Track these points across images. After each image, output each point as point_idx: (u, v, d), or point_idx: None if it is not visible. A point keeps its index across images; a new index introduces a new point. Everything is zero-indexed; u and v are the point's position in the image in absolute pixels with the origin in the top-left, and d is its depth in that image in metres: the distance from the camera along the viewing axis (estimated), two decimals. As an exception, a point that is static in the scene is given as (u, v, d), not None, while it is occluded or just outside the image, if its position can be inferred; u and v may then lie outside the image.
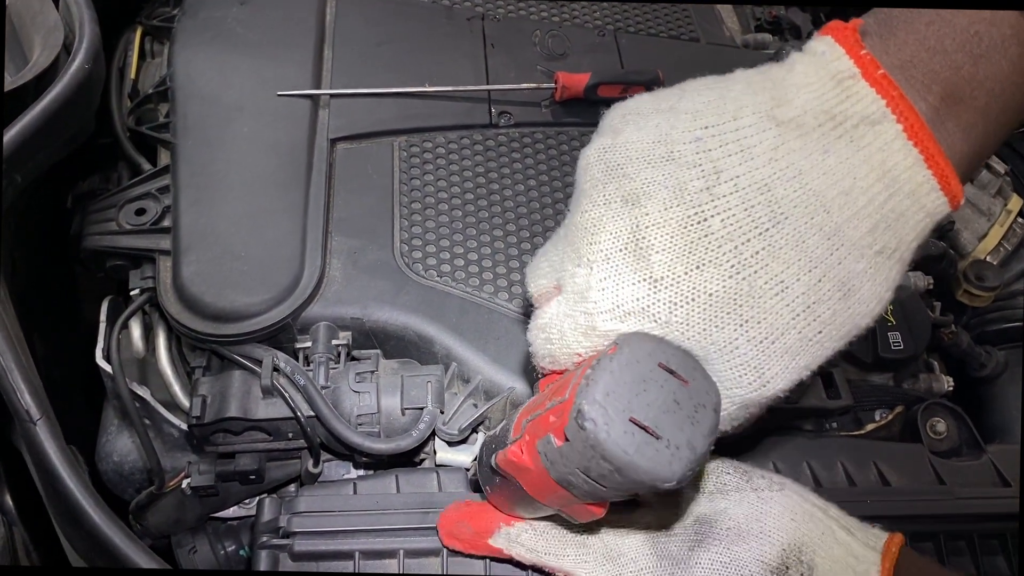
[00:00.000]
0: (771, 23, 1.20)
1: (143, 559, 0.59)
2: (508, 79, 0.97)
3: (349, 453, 0.73)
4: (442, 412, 0.71)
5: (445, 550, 0.64)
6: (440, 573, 0.63)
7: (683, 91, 0.52)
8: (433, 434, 0.71)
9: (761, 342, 0.47)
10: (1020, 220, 1.05)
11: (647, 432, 0.43)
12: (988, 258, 1.03)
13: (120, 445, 0.78)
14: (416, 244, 0.81)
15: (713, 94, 0.50)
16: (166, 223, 0.81)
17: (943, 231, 1.03)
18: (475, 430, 0.73)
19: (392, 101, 0.93)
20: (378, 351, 0.77)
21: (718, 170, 0.47)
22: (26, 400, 0.61)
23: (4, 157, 0.68)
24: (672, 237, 0.47)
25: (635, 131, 0.50)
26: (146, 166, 0.91)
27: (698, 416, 0.45)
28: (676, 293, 0.47)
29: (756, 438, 0.75)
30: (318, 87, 0.92)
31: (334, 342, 0.75)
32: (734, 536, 0.55)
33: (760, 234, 0.46)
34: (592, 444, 0.43)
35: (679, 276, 0.47)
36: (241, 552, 0.79)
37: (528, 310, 0.70)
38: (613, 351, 0.46)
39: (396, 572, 0.64)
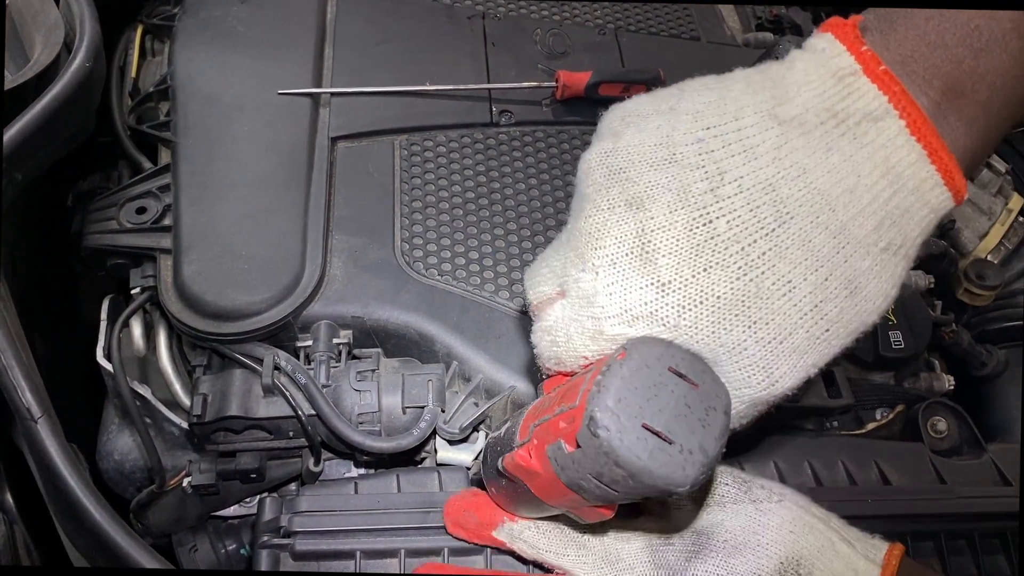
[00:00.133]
0: (772, 22, 1.20)
1: (144, 557, 0.59)
2: (509, 78, 0.97)
3: (350, 452, 0.73)
4: (443, 411, 0.71)
5: (446, 550, 0.64)
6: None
7: (682, 92, 0.51)
8: (434, 433, 0.71)
9: (769, 342, 0.47)
10: (1021, 219, 1.05)
11: (660, 437, 0.43)
12: (989, 257, 1.03)
13: (121, 443, 0.78)
14: (417, 243, 0.81)
15: (713, 94, 0.50)
16: (167, 222, 0.81)
17: (944, 230, 1.03)
18: (476, 429, 0.73)
19: (393, 100, 0.93)
20: (379, 350, 0.77)
21: (722, 171, 0.47)
22: (27, 398, 0.61)
23: (4, 155, 0.68)
24: (678, 240, 0.47)
25: (636, 134, 0.50)
26: (147, 165, 0.91)
27: (709, 419, 0.45)
28: (684, 297, 0.47)
29: (757, 437, 0.75)
30: (319, 86, 0.92)
31: (335, 341, 0.75)
32: (731, 549, 0.55)
33: (766, 235, 0.46)
34: (606, 451, 0.43)
35: (687, 279, 0.47)
36: (242, 551, 0.79)
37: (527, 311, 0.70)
38: (623, 356, 0.45)
39: (397, 571, 0.64)
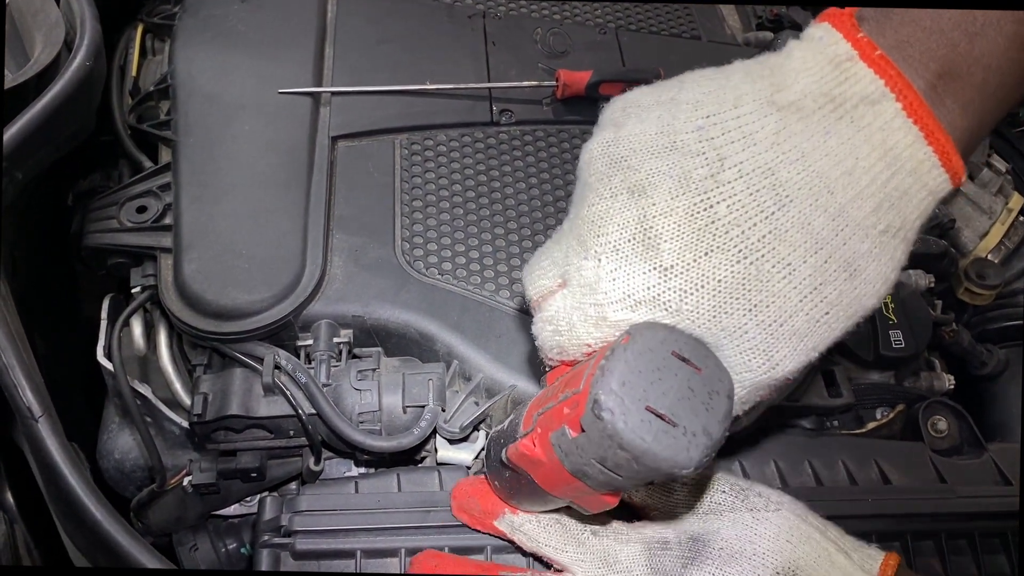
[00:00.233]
0: (772, 21, 1.20)
1: (144, 556, 0.59)
2: (509, 77, 0.97)
3: (350, 451, 0.73)
4: (443, 410, 0.71)
5: (447, 549, 0.64)
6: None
7: (682, 83, 0.52)
8: (434, 432, 0.71)
9: (770, 325, 0.47)
10: (1021, 218, 1.05)
11: (663, 420, 0.44)
12: (989, 256, 1.03)
13: (121, 443, 0.78)
14: (417, 242, 0.81)
15: (713, 84, 0.50)
16: (167, 221, 0.81)
17: (944, 229, 1.03)
18: (476, 428, 0.73)
19: (393, 99, 0.93)
20: (379, 349, 0.77)
21: (722, 157, 0.47)
22: (28, 397, 0.61)
23: (5, 154, 0.68)
24: (680, 225, 0.47)
25: (637, 123, 0.50)
26: (147, 164, 0.91)
27: (712, 402, 0.45)
28: (686, 281, 0.47)
29: (758, 437, 0.75)
30: (319, 85, 0.92)
31: (335, 340, 0.75)
32: (727, 557, 0.55)
33: (766, 218, 0.46)
34: (610, 434, 0.43)
35: (688, 264, 0.47)
36: (242, 550, 0.79)
37: (527, 306, 0.70)
38: (626, 341, 0.46)
39: (397, 571, 0.64)
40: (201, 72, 0.91)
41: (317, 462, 0.73)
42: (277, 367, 0.71)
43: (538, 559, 0.61)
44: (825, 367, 0.81)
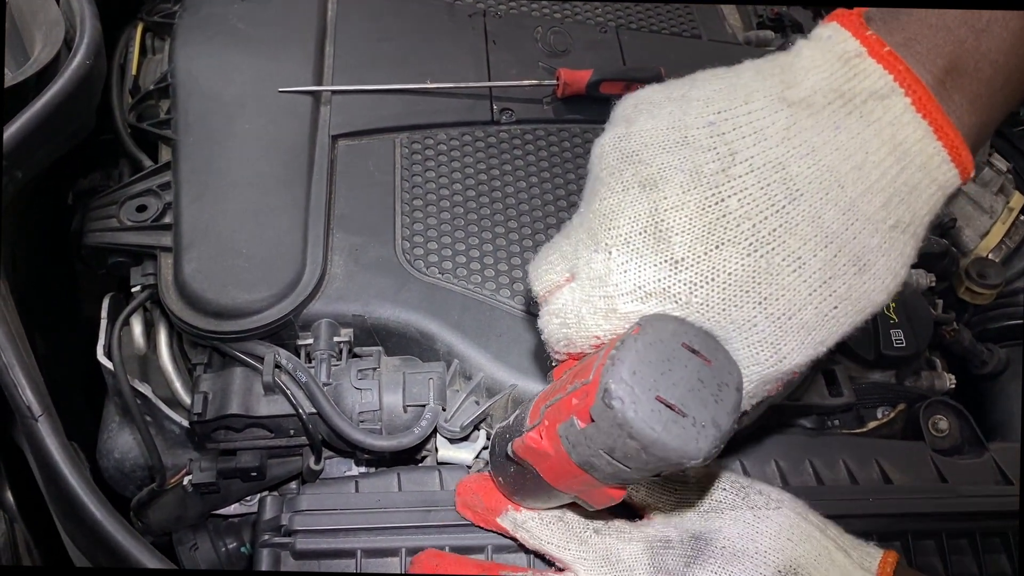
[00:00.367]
0: (773, 20, 1.20)
1: (145, 556, 0.59)
2: (510, 76, 0.97)
3: (351, 450, 0.73)
4: (444, 409, 0.71)
5: (447, 548, 0.64)
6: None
7: (694, 80, 0.53)
8: (435, 431, 0.71)
9: (779, 318, 0.47)
10: (1022, 218, 1.05)
11: (673, 410, 0.44)
12: (990, 256, 1.03)
13: (121, 442, 0.78)
14: (418, 241, 0.81)
15: (724, 82, 0.51)
16: (167, 220, 0.81)
17: (945, 228, 1.03)
18: (477, 427, 0.73)
19: (394, 98, 0.93)
20: (380, 348, 0.76)
21: (733, 152, 0.48)
22: (27, 396, 0.61)
23: (5, 153, 0.67)
24: (691, 219, 0.48)
25: (649, 119, 0.51)
26: (147, 163, 0.91)
27: (722, 394, 0.45)
28: (696, 273, 0.47)
29: (759, 436, 0.75)
30: (319, 84, 0.92)
31: (336, 339, 0.75)
32: (729, 555, 0.55)
33: (777, 211, 0.47)
34: (620, 423, 0.43)
35: (699, 256, 0.47)
36: (242, 549, 0.78)
37: (531, 307, 0.70)
38: (637, 332, 0.46)
39: (398, 570, 0.64)
40: (201, 71, 0.91)
41: (317, 461, 0.73)
42: (277, 366, 0.71)
43: (540, 557, 0.62)
44: (826, 366, 0.81)
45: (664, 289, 0.48)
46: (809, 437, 0.77)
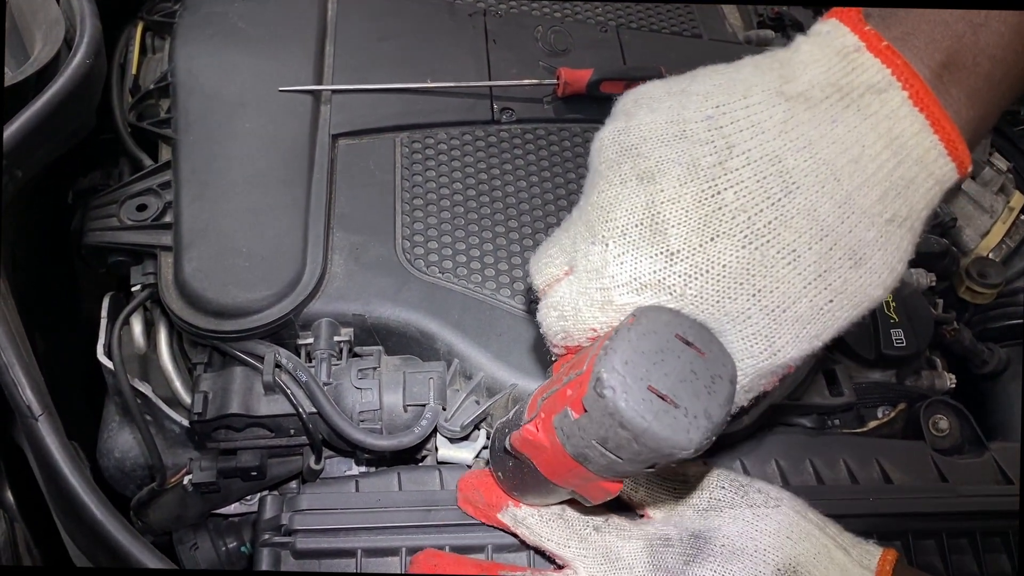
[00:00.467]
0: (774, 19, 1.20)
1: (145, 555, 0.59)
2: (510, 75, 0.97)
3: (351, 450, 0.73)
4: (444, 409, 0.71)
5: (447, 548, 0.64)
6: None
7: (693, 76, 0.53)
8: (435, 431, 0.71)
9: (773, 311, 0.47)
10: (1022, 217, 1.05)
11: (665, 401, 0.44)
12: (990, 255, 1.03)
13: (121, 441, 0.78)
14: (418, 240, 0.81)
15: (723, 77, 0.51)
16: (167, 219, 0.81)
17: (945, 228, 1.03)
18: (477, 427, 0.73)
19: (394, 97, 0.93)
20: (380, 347, 0.76)
21: (730, 145, 0.48)
22: (28, 396, 0.61)
23: (5, 152, 0.67)
24: (687, 211, 0.48)
25: (648, 113, 0.51)
26: (147, 162, 0.91)
27: (715, 386, 0.45)
28: (691, 265, 0.48)
29: (759, 436, 0.75)
30: (320, 83, 0.92)
31: (336, 338, 0.75)
32: (728, 554, 0.55)
33: (772, 204, 0.47)
34: (611, 412, 0.43)
35: (694, 248, 0.47)
36: (243, 549, 0.78)
37: (531, 306, 0.70)
38: (631, 322, 0.46)
39: (398, 570, 0.64)
40: (201, 70, 0.91)
41: (318, 461, 0.73)
42: (278, 365, 0.71)
43: (541, 554, 0.62)
44: (826, 366, 0.81)
45: (659, 281, 0.48)
46: (809, 437, 0.77)
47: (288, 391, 0.70)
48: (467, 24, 1.02)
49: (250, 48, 0.94)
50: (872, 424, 0.84)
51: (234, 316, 0.73)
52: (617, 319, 0.50)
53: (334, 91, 0.92)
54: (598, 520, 0.60)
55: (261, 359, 0.72)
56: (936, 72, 0.46)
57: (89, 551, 0.66)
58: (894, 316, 0.85)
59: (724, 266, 0.47)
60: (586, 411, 0.45)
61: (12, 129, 0.68)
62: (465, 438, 0.72)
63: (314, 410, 0.70)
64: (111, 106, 0.94)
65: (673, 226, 0.48)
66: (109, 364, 0.74)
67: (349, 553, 0.64)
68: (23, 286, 0.78)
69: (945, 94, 0.47)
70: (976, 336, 0.99)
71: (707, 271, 0.47)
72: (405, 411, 0.71)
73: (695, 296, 0.48)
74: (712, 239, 0.47)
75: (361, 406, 0.71)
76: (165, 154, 0.89)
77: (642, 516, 0.62)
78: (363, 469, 0.76)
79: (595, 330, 0.51)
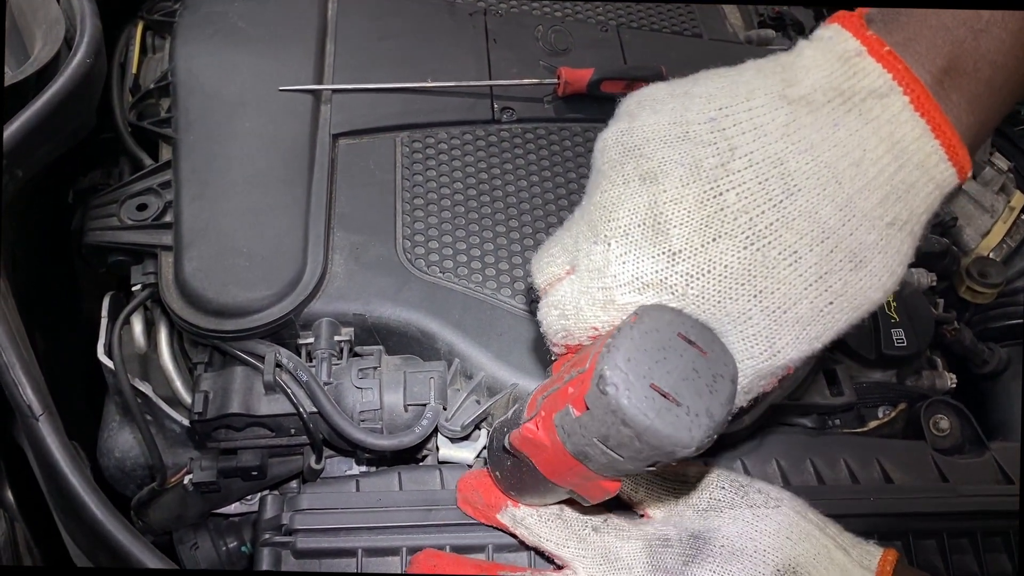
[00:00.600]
0: (774, 19, 1.20)
1: (145, 555, 0.59)
2: (510, 75, 0.96)
3: (352, 449, 0.73)
4: (445, 408, 0.71)
5: (448, 547, 0.64)
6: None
7: (697, 78, 0.53)
8: (436, 430, 0.71)
9: (773, 312, 0.48)
10: (1023, 217, 1.05)
11: (667, 399, 0.44)
12: (991, 255, 1.03)
13: (122, 441, 0.78)
14: (418, 240, 0.81)
15: (726, 80, 0.51)
16: (168, 218, 0.81)
17: (946, 228, 1.03)
18: (478, 427, 0.73)
19: (394, 96, 0.93)
20: (381, 347, 0.76)
21: (732, 147, 0.48)
22: (28, 396, 0.61)
23: (5, 151, 0.67)
24: (689, 212, 0.48)
25: (651, 114, 0.51)
26: (147, 161, 0.91)
27: (716, 385, 0.46)
28: (693, 265, 0.48)
29: (760, 436, 0.75)
30: (320, 82, 0.92)
31: (336, 338, 0.75)
32: (728, 554, 0.55)
33: (774, 206, 0.47)
34: (613, 409, 0.43)
35: (696, 249, 0.48)
36: (243, 548, 0.78)
37: (532, 305, 0.70)
38: (634, 320, 0.46)
39: (399, 570, 0.64)
40: (202, 69, 0.91)
41: (318, 460, 0.73)
42: (278, 365, 0.71)
43: (541, 554, 0.62)
44: (827, 366, 0.81)
45: (661, 281, 0.48)
46: (810, 436, 0.77)
47: (289, 391, 0.70)
48: (467, 23, 1.02)
49: (250, 47, 0.94)
50: (873, 424, 0.84)
51: (234, 316, 0.73)
52: (619, 318, 0.50)
53: (334, 91, 0.92)
54: (597, 520, 0.60)
55: (262, 359, 0.72)
56: (937, 77, 0.47)
57: (89, 551, 0.66)
58: (895, 316, 0.85)
59: (726, 267, 0.47)
60: (588, 408, 0.45)
61: (12, 128, 0.68)
62: (466, 438, 0.72)
63: (315, 410, 0.70)
64: (111, 105, 0.94)
65: (675, 226, 0.48)
66: (109, 364, 0.74)
67: (350, 553, 0.64)
68: (23, 286, 0.78)
69: (946, 99, 0.47)
70: (977, 336, 0.99)
71: (709, 271, 0.48)
72: (406, 411, 0.71)
73: (697, 296, 0.48)
74: (714, 240, 0.47)
75: (362, 406, 0.71)
76: (165, 153, 0.89)
77: (641, 516, 0.62)
78: (363, 469, 0.76)
79: (596, 329, 0.51)
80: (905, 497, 0.71)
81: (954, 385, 0.89)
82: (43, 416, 0.61)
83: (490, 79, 0.96)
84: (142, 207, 0.82)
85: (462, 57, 0.98)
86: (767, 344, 0.48)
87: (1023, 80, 0.48)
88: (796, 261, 0.47)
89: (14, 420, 0.65)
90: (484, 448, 0.72)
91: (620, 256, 0.49)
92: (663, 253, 0.48)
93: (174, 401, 0.78)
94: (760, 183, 0.47)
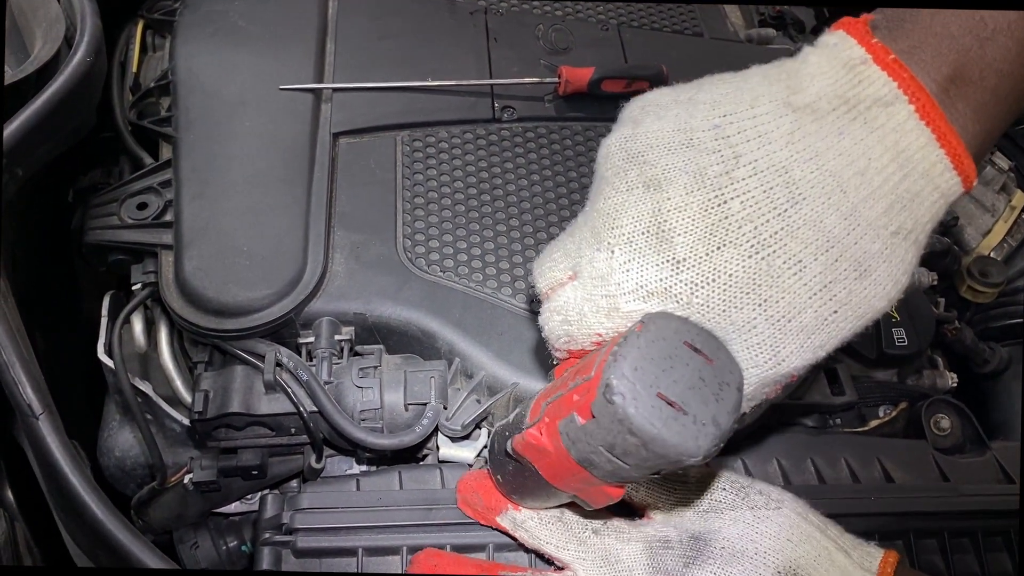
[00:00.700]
0: (775, 18, 1.20)
1: (145, 555, 0.59)
2: (511, 73, 0.96)
3: (352, 449, 0.73)
4: (445, 408, 0.71)
5: (448, 547, 0.64)
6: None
7: (700, 84, 0.53)
8: (436, 430, 0.71)
9: (778, 321, 0.48)
10: (1024, 216, 1.05)
11: (674, 407, 0.44)
12: (992, 254, 1.03)
13: (122, 440, 0.78)
14: (419, 239, 0.81)
15: (730, 86, 0.51)
16: (168, 217, 0.81)
17: (947, 227, 1.03)
18: (478, 426, 0.73)
19: (395, 95, 0.93)
20: (381, 346, 0.76)
21: (737, 155, 0.48)
22: (28, 395, 0.61)
23: (5, 150, 0.67)
24: (693, 220, 0.48)
25: (655, 121, 0.51)
26: (148, 160, 0.91)
27: (722, 394, 0.45)
28: (698, 274, 0.48)
29: (760, 435, 0.75)
30: (320, 81, 0.92)
31: (337, 337, 0.75)
32: (728, 556, 0.55)
33: (779, 215, 0.47)
34: (620, 418, 0.43)
35: (701, 257, 0.48)
36: (243, 548, 0.78)
37: (533, 306, 0.70)
38: (639, 329, 0.46)
39: (399, 569, 0.64)
40: (202, 68, 0.91)
41: (318, 460, 0.73)
42: (279, 364, 0.71)
43: (541, 556, 0.61)
44: (828, 365, 0.81)
45: (666, 289, 0.48)
46: (811, 436, 0.77)
47: (289, 390, 0.70)
48: (468, 22, 1.02)
49: (251, 46, 0.94)
50: (874, 423, 0.84)
51: (235, 315, 0.73)
52: (623, 325, 0.50)
53: (335, 89, 0.92)
54: (597, 523, 0.60)
55: (262, 358, 0.72)
56: (943, 86, 0.47)
57: (90, 550, 0.66)
58: (895, 315, 0.85)
59: (730, 275, 0.47)
60: (594, 417, 0.45)
61: (12, 127, 0.68)
62: (466, 437, 0.72)
63: (315, 409, 0.70)
64: (111, 104, 0.94)
65: (679, 234, 0.48)
66: (109, 363, 0.74)
67: (350, 552, 0.64)
68: (23, 285, 0.78)
69: (951, 108, 0.47)
70: (977, 335, 0.99)
71: (713, 280, 0.47)
72: (406, 410, 0.71)
73: (701, 305, 0.48)
74: (719, 248, 0.47)
75: (362, 405, 0.71)
76: (165, 152, 0.89)
77: (642, 517, 0.61)
78: (364, 468, 0.76)
79: (600, 335, 0.51)
80: (906, 496, 0.71)
81: (955, 384, 0.89)
82: (43, 415, 0.61)
83: (491, 78, 0.96)
84: (142, 206, 0.82)
85: (463, 56, 0.98)
86: (771, 353, 0.48)
87: None
88: (801, 270, 0.47)
89: (14, 419, 0.65)
90: (484, 448, 0.72)
91: (624, 264, 0.49)
92: (667, 261, 0.48)
93: (174, 400, 0.78)
94: (765, 191, 0.47)
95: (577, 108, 0.95)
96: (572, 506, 0.60)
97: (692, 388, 0.45)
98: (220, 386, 0.71)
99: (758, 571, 0.54)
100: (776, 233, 0.47)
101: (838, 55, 0.48)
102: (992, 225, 1.04)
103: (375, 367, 0.73)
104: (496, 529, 0.63)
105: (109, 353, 0.75)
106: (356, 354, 0.76)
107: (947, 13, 0.47)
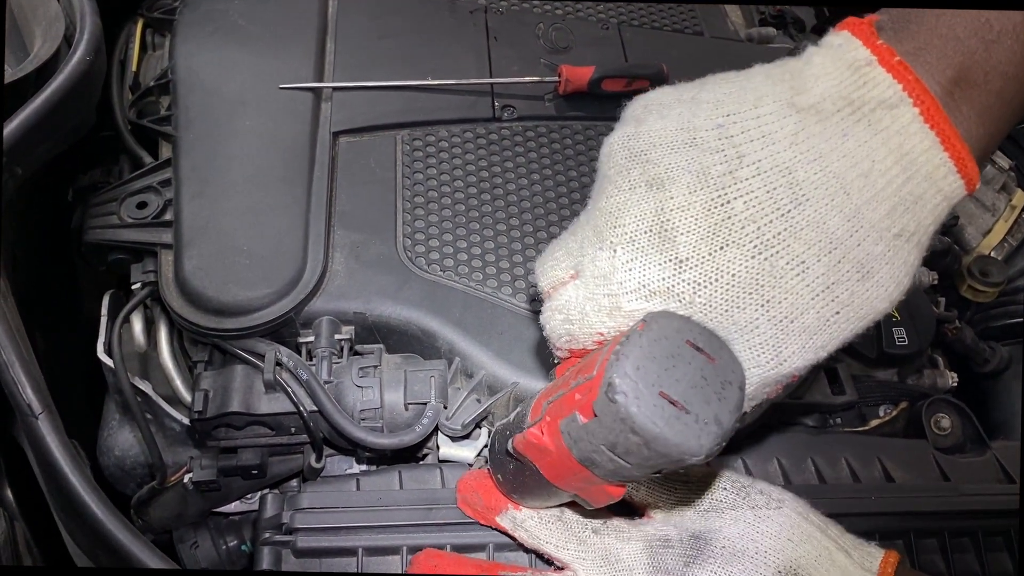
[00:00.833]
0: (775, 17, 1.20)
1: (145, 554, 0.59)
2: (511, 72, 0.96)
3: (352, 448, 0.73)
4: (445, 407, 0.71)
5: (448, 547, 0.64)
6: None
7: (704, 84, 0.53)
8: (436, 429, 0.71)
9: (780, 321, 0.48)
10: (1024, 215, 1.05)
11: (676, 406, 0.44)
12: (992, 254, 1.03)
13: (122, 440, 0.78)
14: (419, 238, 0.81)
15: (734, 86, 0.51)
16: (168, 217, 0.80)
17: (947, 226, 1.03)
18: (479, 425, 0.73)
19: (395, 94, 0.92)
20: (381, 346, 0.76)
21: (740, 155, 0.48)
22: (28, 394, 0.61)
23: (5, 149, 0.67)
24: (696, 219, 0.48)
25: (658, 119, 0.51)
26: (147, 159, 0.91)
27: (725, 393, 0.45)
28: (700, 273, 0.48)
29: (761, 434, 0.75)
30: (320, 80, 0.92)
31: (337, 337, 0.75)
32: (729, 555, 0.55)
33: (782, 215, 0.47)
34: (622, 417, 0.43)
35: (703, 257, 0.47)
36: (243, 547, 0.78)
37: (535, 305, 0.70)
38: (642, 328, 0.46)
39: (399, 569, 0.64)
40: (202, 67, 0.91)
41: (318, 459, 0.73)
42: (278, 364, 0.71)
43: (541, 555, 0.61)
44: (828, 365, 0.81)
45: (668, 288, 0.48)
46: (811, 435, 0.77)
47: (289, 389, 0.69)
48: (468, 21, 1.02)
49: (251, 45, 0.93)
50: (874, 423, 0.84)
51: (235, 314, 0.73)
52: (625, 325, 0.50)
53: (335, 88, 0.92)
54: (597, 522, 0.60)
55: (262, 357, 0.72)
56: (947, 89, 0.47)
57: (89, 550, 0.66)
58: (896, 315, 0.85)
59: (733, 275, 0.47)
60: (596, 416, 0.45)
61: (12, 126, 0.68)
62: (466, 436, 0.72)
63: (315, 408, 0.70)
64: (111, 103, 0.94)
65: (682, 234, 0.48)
66: (109, 362, 0.74)
67: (350, 552, 0.64)
68: (23, 285, 0.78)
69: (956, 111, 0.47)
70: (978, 335, 0.99)
71: (716, 280, 0.47)
72: (406, 409, 0.71)
73: (704, 304, 0.48)
74: (721, 248, 0.47)
75: (362, 404, 0.71)
76: (165, 151, 0.89)
77: (642, 516, 0.61)
78: (364, 467, 0.76)
79: (602, 334, 0.51)
80: (906, 496, 0.71)
81: (955, 384, 0.89)
82: (43, 415, 0.61)
83: (491, 77, 0.96)
84: (142, 205, 0.82)
85: (463, 55, 0.98)
86: (773, 353, 0.48)
87: None
88: (804, 271, 0.47)
89: (14, 419, 0.65)
90: (484, 447, 0.72)
91: (626, 263, 0.49)
92: (670, 261, 0.48)
93: (174, 400, 0.78)
94: (768, 192, 0.47)
95: (577, 107, 0.95)
96: (572, 505, 0.60)
97: (694, 387, 0.45)
98: (220, 385, 0.71)
99: (758, 571, 0.54)
100: (779, 234, 0.47)
101: (843, 56, 0.48)
102: (992, 224, 1.04)
103: (375, 366, 0.73)
104: (496, 529, 0.63)
105: (109, 352, 0.75)
106: (356, 353, 0.76)
107: (952, 14, 0.47)
